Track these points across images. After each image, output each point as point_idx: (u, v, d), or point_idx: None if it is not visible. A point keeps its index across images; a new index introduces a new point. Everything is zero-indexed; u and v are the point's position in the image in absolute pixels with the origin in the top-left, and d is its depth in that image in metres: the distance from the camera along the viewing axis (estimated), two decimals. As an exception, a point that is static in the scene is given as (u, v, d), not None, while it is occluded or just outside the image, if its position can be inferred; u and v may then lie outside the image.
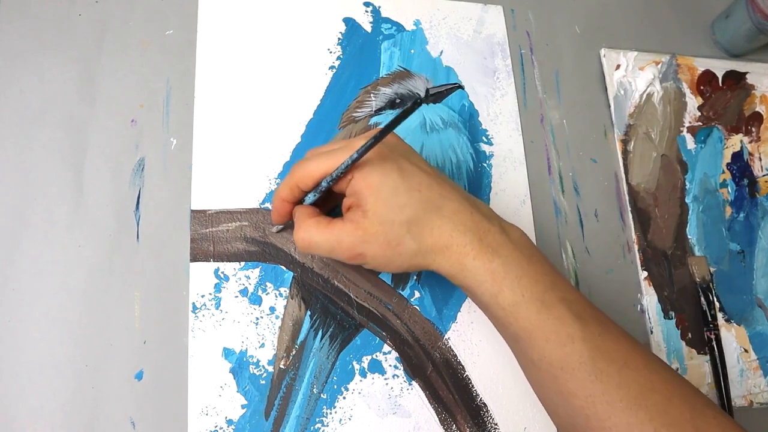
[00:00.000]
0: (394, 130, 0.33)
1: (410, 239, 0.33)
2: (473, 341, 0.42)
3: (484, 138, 0.48)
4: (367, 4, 0.49)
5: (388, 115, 0.46)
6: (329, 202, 0.39)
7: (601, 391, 0.32)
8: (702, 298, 0.47)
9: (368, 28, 0.48)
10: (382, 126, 0.32)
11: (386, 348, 0.41)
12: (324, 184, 0.35)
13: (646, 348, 0.35)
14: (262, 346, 0.39)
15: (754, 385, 0.46)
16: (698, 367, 0.46)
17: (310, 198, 0.36)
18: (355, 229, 0.33)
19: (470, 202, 0.35)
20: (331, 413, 0.39)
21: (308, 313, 0.41)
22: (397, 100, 0.46)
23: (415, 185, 0.34)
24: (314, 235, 0.34)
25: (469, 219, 0.34)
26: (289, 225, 0.41)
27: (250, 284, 0.40)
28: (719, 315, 0.47)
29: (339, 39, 0.47)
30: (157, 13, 0.44)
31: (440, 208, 0.34)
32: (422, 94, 0.47)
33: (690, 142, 0.52)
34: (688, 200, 0.50)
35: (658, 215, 0.49)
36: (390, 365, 0.41)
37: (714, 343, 0.46)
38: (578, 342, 0.32)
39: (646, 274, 0.47)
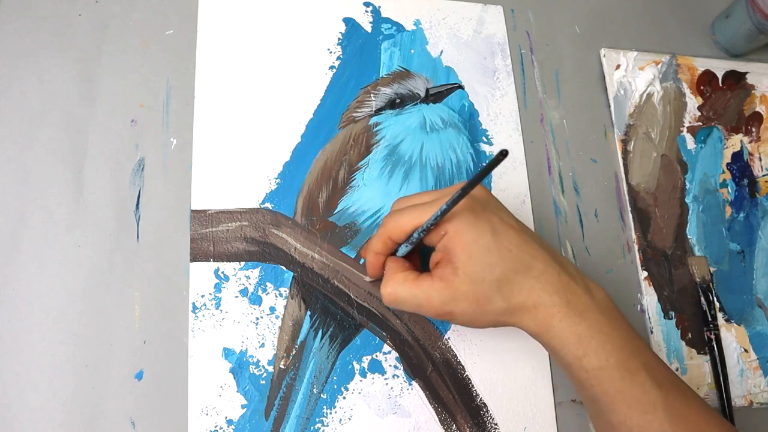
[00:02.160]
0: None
1: (500, 298, 0.33)
2: (473, 341, 0.42)
3: (484, 138, 0.48)
4: (367, 4, 0.49)
5: (388, 115, 0.46)
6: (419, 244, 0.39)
7: None
8: (702, 298, 0.47)
9: (368, 28, 0.48)
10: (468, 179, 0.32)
11: (386, 348, 0.41)
12: (415, 236, 0.35)
13: (722, 417, 0.35)
14: (262, 346, 0.39)
15: (754, 385, 0.46)
16: (698, 367, 0.46)
17: (403, 250, 0.37)
18: (445, 288, 0.33)
19: (557, 262, 0.35)
20: (331, 413, 0.39)
21: (308, 313, 0.41)
22: (397, 100, 0.47)
23: (506, 244, 0.34)
24: (400, 291, 0.34)
25: (556, 280, 0.34)
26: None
27: (250, 284, 0.40)
28: (719, 315, 0.47)
29: (339, 39, 0.47)
30: (157, 13, 0.44)
31: (529, 268, 0.34)
32: (422, 94, 0.47)
33: (690, 142, 0.52)
34: (688, 200, 0.50)
35: (658, 215, 0.49)
36: (390, 365, 0.41)
37: (714, 343, 0.46)
38: (660, 410, 0.33)
39: (646, 274, 0.47)
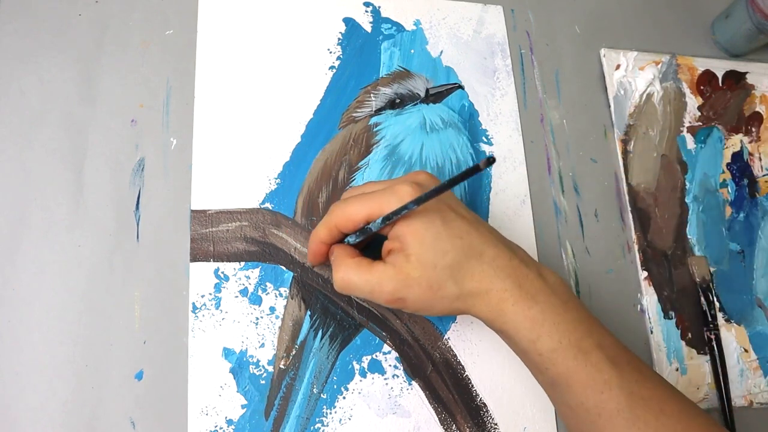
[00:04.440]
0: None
1: (452, 284, 0.34)
2: (473, 341, 0.42)
3: (484, 138, 0.48)
4: (367, 4, 0.49)
5: (388, 115, 0.46)
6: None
7: None
8: (702, 298, 0.47)
9: (368, 28, 0.48)
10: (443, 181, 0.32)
11: (386, 348, 0.41)
12: (373, 228, 0.34)
13: (680, 392, 0.35)
14: (262, 346, 0.39)
15: (754, 385, 0.46)
16: (698, 367, 0.46)
17: (352, 240, 0.36)
18: (397, 274, 0.33)
19: (508, 248, 0.35)
20: (331, 413, 0.39)
21: (308, 313, 0.41)
22: (397, 100, 0.47)
23: (457, 232, 0.34)
24: (353, 276, 0.34)
25: (508, 265, 0.34)
26: (324, 263, 0.40)
27: (250, 284, 0.40)
28: (719, 315, 0.47)
29: (339, 39, 0.47)
30: (157, 13, 0.44)
31: (481, 254, 0.34)
32: (422, 94, 0.47)
33: (690, 142, 0.52)
34: (688, 200, 0.50)
35: (658, 215, 0.49)
36: (390, 365, 0.41)
37: (714, 343, 0.46)
38: (615, 388, 0.33)
39: (646, 274, 0.47)
